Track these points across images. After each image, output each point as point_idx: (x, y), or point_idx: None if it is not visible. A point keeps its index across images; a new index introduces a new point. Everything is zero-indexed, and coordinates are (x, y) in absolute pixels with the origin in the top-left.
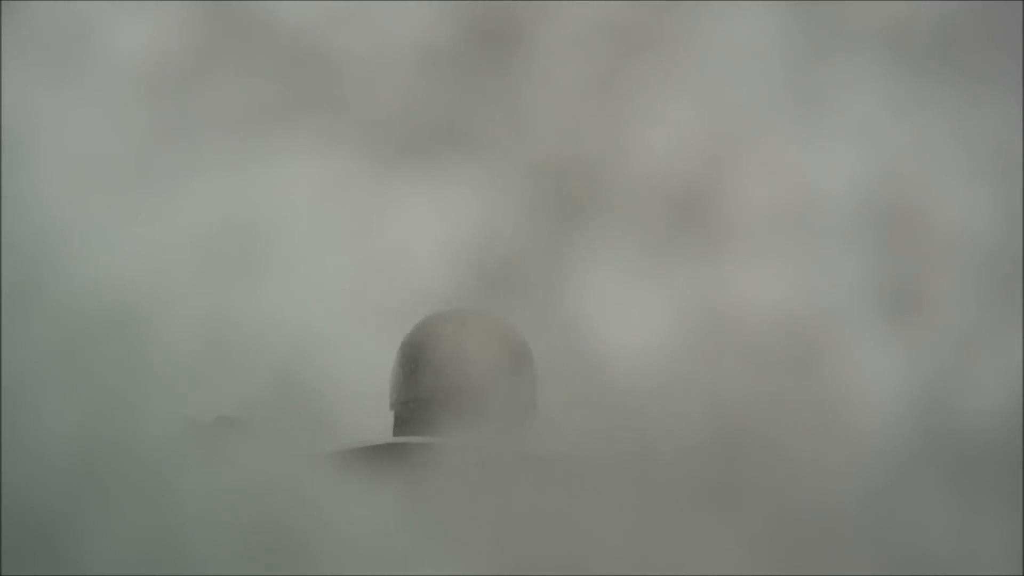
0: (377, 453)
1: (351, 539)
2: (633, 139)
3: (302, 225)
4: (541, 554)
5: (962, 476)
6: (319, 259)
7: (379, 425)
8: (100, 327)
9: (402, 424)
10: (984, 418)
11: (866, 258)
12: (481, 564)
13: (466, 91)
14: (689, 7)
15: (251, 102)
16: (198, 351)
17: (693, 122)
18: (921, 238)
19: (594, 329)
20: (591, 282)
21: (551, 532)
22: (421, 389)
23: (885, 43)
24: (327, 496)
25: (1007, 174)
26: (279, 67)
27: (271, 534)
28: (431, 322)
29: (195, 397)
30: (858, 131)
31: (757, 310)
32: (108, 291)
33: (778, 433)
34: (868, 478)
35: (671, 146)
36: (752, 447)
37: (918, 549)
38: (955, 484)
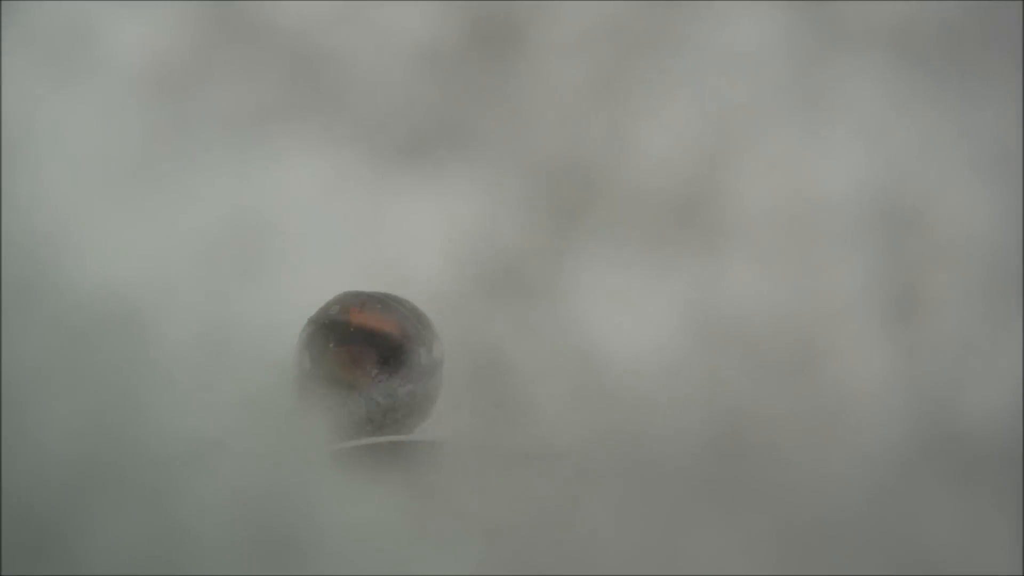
0: (377, 451)
1: (351, 538)
2: (633, 139)
3: (303, 225)
4: (541, 554)
5: (962, 476)
6: (320, 259)
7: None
8: (100, 327)
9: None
10: (984, 418)
11: (866, 258)
12: (481, 564)
13: (466, 91)
14: (689, 7)
15: (251, 102)
16: (198, 351)
17: (693, 122)
18: (921, 238)
19: (594, 329)
20: (591, 282)
21: (551, 532)
22: (324, 367)
23: (886, 43)
24: (327, 495)
25: (1007, 174)
26: (279, 67)
27: (271, 534)
28: (336, 302)
29: (195, 397)
30: (859, 131)
31: (757, 310)
32: (108, 290)
33: (778, 433)
34: (868, 478)
35: (671, 146)
36: (752, 446)
37: (918, 549)
38: (955, 484)
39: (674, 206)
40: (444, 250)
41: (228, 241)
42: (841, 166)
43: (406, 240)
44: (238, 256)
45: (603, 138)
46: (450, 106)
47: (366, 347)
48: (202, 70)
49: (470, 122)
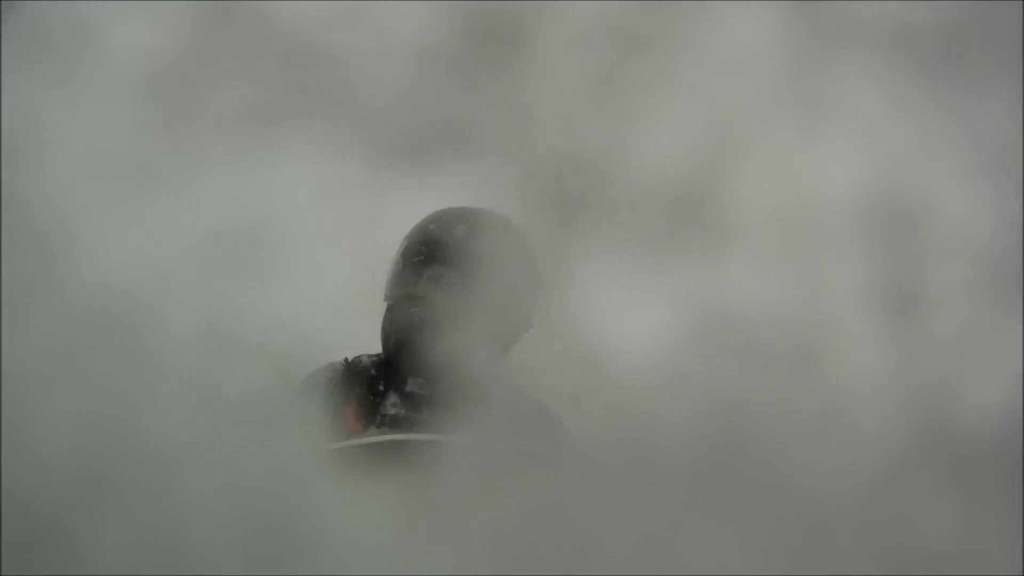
0: (378, 450)
1: (351, 538)
2: (633, 139)
3: (303, 224)
4: (541, 554)
5: (962, 475)
6: (320, 258)
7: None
8: (101, 326)
9: (393, 320)
10: (984, 418)
11: (867, 257)
12: (481, 563)
13: (466, 91)
14: (689, 7)
15: (251, 102)
16: (198, 350)
17: (693, 122)
18: (921, 238)
19: (594, 328)
20: (591, 281)
21: (551, 531)
22: (420, 286)
23: (885, 43)
24: (327, 493)
25: (1007, 174)
26: (279, 67)
27: (271, 532)
28: (442, 217)
29: (196, 394)
30: (858, 131)
31: (757, 309)
32: (109, 290)
33: (778, 432)
34: (868, 476)
35: (671, 146)
36: (752, 446)
37: (918, 548)
38: (955, 483)
39: (675, 206)
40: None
41: (228, 240)
42: (841, 166)
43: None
44: (238, 255)
45: (604, 138)
46: (450, 106)
47: (471, 275)
48: (202, 70)
49: (470, 122)
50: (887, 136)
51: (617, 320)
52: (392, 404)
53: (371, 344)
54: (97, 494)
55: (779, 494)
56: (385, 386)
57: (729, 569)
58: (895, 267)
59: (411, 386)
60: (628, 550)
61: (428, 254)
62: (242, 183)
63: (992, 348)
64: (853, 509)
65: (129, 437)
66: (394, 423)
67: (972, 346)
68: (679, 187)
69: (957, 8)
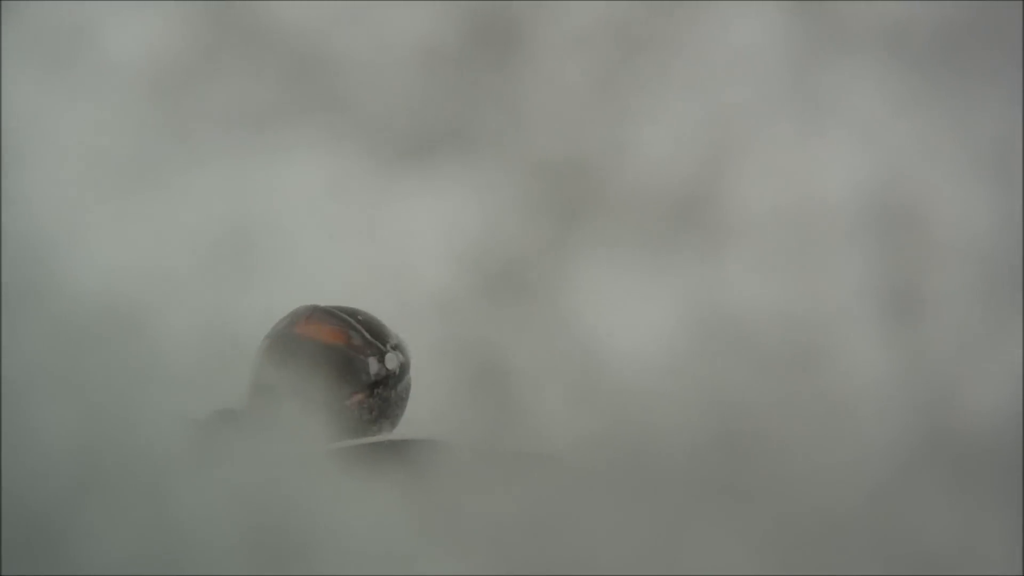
0: (377, 451)
1: (351, 538)
2: (633, 139)
3: (303, 225)
4: (541, 554)
5: (962, 475)
6: (320, 259)
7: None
8: (100, 326)
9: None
10: (984, 417)
11: (866, 258)
12: (481, 564)
13: (466, 91)
14: (689, 7)
15: (252, 102)
16: (198, 351)
17: (693, 122)
18: (921, 238)
19: (594, 329)
20: (591, 282)
21: (551, 532)
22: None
23: (885, 43)
24: (327, 494)
25: (1007, 174)
26: (280, 67)
27: (271, 533)
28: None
29: (195, 397)
30: (858, 131)
31: (758, 309)
32: (108, 290)
33: (779, 432)
34: (868, 477)
35: (671, 146)
36: (753, 446)
37: (918, 548)
38: (955, 483)
39: (674, 206)
40: (444, 249)
41: (228, 240)
42: (840, 166)
43: (406, 240)
44: (238, 255)
45: (603, 138)
46: (450, 106)
47: (312, 359)
48: (202, 70)
49: (470, 122)
50: (887, 136)
51: (617, 320)
52: None
53: None
54: (97, 494)
55: (779, 494)
56: None
57: (729, 569)
58: (895, 267)
59: None
60: (628, 551)
61: (275, 348)
62: (242, 184)
63: (992, 348)
64: (853, 509)
65: (129, 437)
66: None
67: (972, 346)
68: (679, 187)
69: (957, 8)
